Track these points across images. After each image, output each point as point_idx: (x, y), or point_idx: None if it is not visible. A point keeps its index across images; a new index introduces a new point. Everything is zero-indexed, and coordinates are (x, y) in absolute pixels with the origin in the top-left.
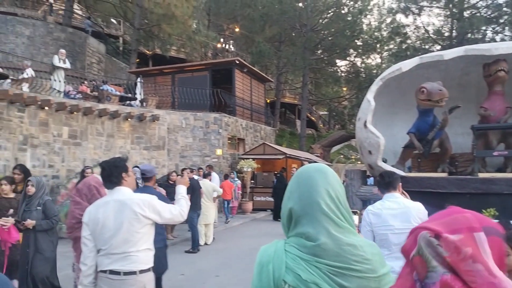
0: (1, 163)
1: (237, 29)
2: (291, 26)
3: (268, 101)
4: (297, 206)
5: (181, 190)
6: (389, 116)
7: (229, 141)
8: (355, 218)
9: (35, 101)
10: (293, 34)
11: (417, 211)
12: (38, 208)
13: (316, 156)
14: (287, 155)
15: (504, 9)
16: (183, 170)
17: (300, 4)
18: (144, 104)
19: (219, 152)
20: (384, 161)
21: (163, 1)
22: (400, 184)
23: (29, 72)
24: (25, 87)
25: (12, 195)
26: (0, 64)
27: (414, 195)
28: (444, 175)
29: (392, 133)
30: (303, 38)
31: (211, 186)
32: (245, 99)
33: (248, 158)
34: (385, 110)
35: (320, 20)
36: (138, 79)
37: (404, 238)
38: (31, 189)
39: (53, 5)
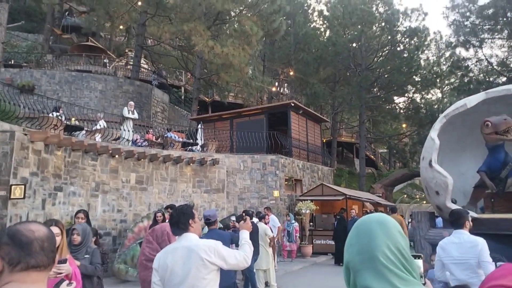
0: (75, 209)
1: (291, 73)
2: (346, 66)
3: (324, 140)
4: (357, 259)
5: (245, 235)
6: (456, 153)
7: (286, 182)
8: (420, 262)
9: (107, 150)
10: (348, 74)
11: (471, 244)
12: (86, 256)
13: (378, 196)
14: (347, 196)
15: None
16: (244, 213)
17: (354, 45)
18: (205, 149)
19: (276, 193)
20: (454, 202)
21: (222, 52)
22: (468, 221)
23: (101, 124)
24: (98, 138)
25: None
26: (76, 117)
27: (489, 238)
28: None
29: (460, 171)
30: (358, 78)
31: (263, 229)
32: (301, 140)
33: (306, 200)
34: (451, 147)
35: (375, 59)
36: (199, 125)
37: (463, 267)
38: (77, 238)
39: (123, 61)
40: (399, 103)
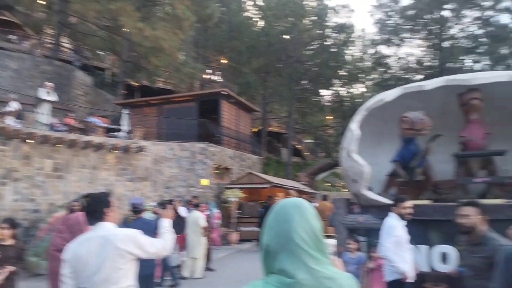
0: None
1: (224, 61)
2: (277, 57)
3: (254, 130)
4: (274, 242)
5: (166, 224)
6: (373, 145)
7: (216, 171)
8: (332, 242)
9: (19, 134)
10: (280, 65)
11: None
12: None
13: (303, 184)
14: (273, 184)
15: (482, 39)
16: (169, 202)
17: (286, 37)
18: (130, 135)
19: (204, 182)
20: (370, 189)
21: (152, 35)
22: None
23: (14, 105)
24: (9, 121)
25: (10, 241)
26: None
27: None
28: (428, 202)
29: (377, 161)
30: (289, 69)
31: (196, 218)
32: (231, 129)
33: (234, 188)
34: (370, 139)
35: (305, 52)
36: (125, 110)
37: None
38: None
39: (42, 38)
40: (326, 95)
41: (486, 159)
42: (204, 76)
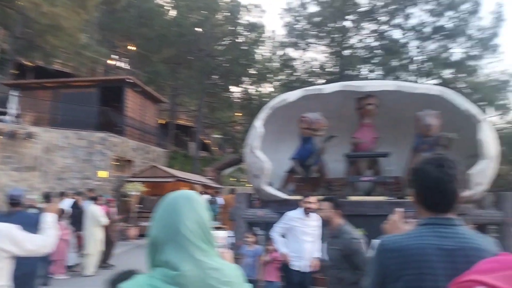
0: None
1: (132, 48)
2: (189, 49)
3: (161, 122)
4: (162, 234)
5: (49, 218)
6: (276, 142)
7: (116, 163)
8: (222, 233)
9: None
10: (191, 58)
11: None
12: None
13: (209, 179)
14: (177, 178)
15: (377, 51)
16: (61, 194)
17: (199, 29)
18: (19, 120)
19: (103, 174)
20: (270, 184)
21: (50, 11)
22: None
23: None
24: None
25: None
26: None
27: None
28: (321, 198)
29: (278, 158)
30: (200, 63)
31: (93, 212)
32: (136, 119)
33: (135, 181)
34: (273, 137)
35: (217, 47)
36: (13, 92)
37: None
38: None
39: None
40: (235, 92)
41: (372, 160)
42: (108, 61)
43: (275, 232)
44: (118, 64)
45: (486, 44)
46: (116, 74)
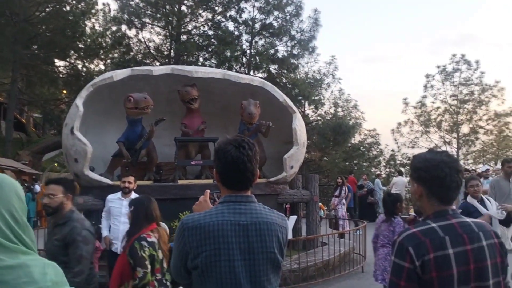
0: None
1: None
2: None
3: None
4: None
5: None
6: (101, 124)
7: None
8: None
9: None
10: (2, 22)
11: None
12: None
13: (24, 163)
14: None
15: (212, 40)
16: None
17: None
18: None
19: None
20: (92, 169)
21: None
22: None
23: None
24: None
25: None
26: None
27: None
28: (150, 182)
29: (104, 141)
30: (14, 28)
31: None
32: None
33: None
34: (98, 118)
35: (37, 13)
36: None
37: None
38: None
39: None
40: (60, 66)
41: (202, 144)
42: None
43: (102, 218)
44: None
45: (306, 45)
46: None
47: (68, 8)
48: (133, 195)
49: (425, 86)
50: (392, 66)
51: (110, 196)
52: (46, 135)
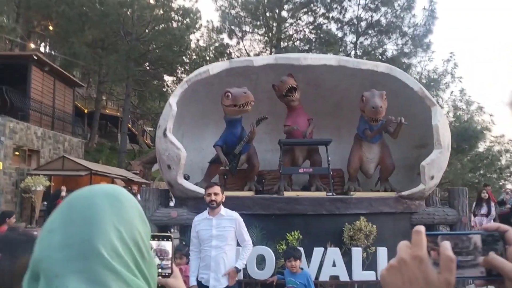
0: None
1: (50, 27)
2: (114, 31)
3: (84, 110)
4: (59, 256)
5: None
6: (199, 128)
7: (17, 153)
8: (169, 245)
9: None
10: (117, 41)
11: None
12: None
13: (135, 173)
14: (92, 171)
15: (314, 43)
16: None
17: (125, 10)
18: None
19: None
20: (186, 178)
21: None
22: None
23: None
24: None
25: None
26: None
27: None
28: (251, 193)
29: (201, 147)
30: (127, 47)
31: None
32: (45, 103)
33: (40, 174)
34: (195, 121)
35: (147, 31)
36: None
37: None
38: None
39: None
40: (168, 81)
41: (310, 148)
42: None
43: (191, 254)
44: (38, 46)
45: (419, 41)
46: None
47: (175, 25)
48: (224, 210)
49: None
50: None
51: (197, 218)
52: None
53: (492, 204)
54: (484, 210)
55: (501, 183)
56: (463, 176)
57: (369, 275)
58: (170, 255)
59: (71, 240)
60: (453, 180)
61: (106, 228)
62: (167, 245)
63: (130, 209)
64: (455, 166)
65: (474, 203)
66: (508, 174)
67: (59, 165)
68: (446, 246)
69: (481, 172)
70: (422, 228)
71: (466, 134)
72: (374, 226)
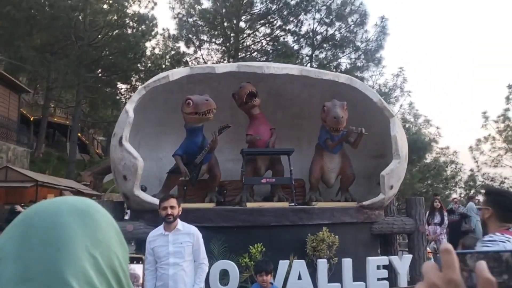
0: None
1: None
2: (65, 36)
3: (30, 118)
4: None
5: None
6: (157, 136)
7: None
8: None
9: None
10: (68, 46)
11: None
12: None
13: (85, 184)
14: (39, 183)
15: (271, 55)
16: None
17: (77, 14)
18: None
19: None
20: (143, 189)
21: None
22: None
23: None
24: None
25: None
26: None
27: None
28: (212, 205)
29: (159, 156)
30: (79, 52)
31: None
32: None
33: None
34: (152, 129)
35: (100, 36)
36: None
37: None
38: None
39: None
40: (122, 89)
41: (273, 158)
42: None
43: (146, 269)
44: None
45: (371, 56)
46: None
47: (129, 31)
48: (180, 224)
49: (508, 98)
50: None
51: (151, 234)
52: (108, 157)
53: (445, 213)
54: (437, 219)
55: (446, 193)
56: (412, 185)
57: (335, 287)
58: (141, 280)
59: (31, 271)
60: (404, 190)
61: (78, 254)
62: (138, 269)
63: (106, 228)
64: (405, 176)
65: (427, 212)
66: (453, 184)
67: (2, 176)
68: (483, 267)
69: (429, 182)
70: (451, 247)
71: (415, 146)
72: (337, 236)
